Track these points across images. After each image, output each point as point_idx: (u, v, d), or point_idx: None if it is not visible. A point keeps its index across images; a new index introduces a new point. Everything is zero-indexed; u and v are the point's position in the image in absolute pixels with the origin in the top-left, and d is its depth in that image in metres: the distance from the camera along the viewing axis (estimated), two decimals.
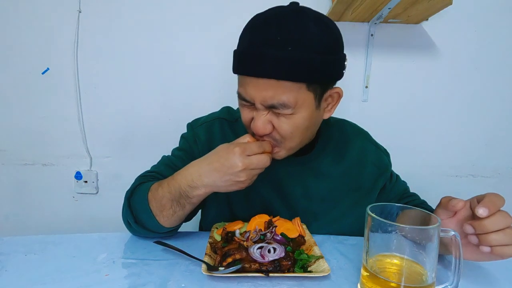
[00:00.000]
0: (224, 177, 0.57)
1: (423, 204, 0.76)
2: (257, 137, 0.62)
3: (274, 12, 0.58)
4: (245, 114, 0.64)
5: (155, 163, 0.79)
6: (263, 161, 0.57)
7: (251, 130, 0.63)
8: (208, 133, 0.75)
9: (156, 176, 0.73)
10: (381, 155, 0.78)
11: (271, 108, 0.58)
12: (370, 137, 0.82)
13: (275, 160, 0.72)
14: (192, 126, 0.77)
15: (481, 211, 0.47)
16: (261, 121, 0.59)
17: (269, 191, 0.73)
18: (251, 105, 0.61)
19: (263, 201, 0.73)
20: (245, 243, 0.58)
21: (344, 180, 0.75)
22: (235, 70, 0.61)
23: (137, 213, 0.64)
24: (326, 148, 0.76)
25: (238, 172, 0.56)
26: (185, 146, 0.77)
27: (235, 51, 0.61)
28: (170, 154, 0.79)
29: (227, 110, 0.80)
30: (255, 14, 0.61)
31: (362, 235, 0.67)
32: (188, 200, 0.60)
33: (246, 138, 0.61)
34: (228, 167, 0.56)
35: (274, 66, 0.54)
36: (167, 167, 0.74)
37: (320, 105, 0.62)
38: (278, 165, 0.72)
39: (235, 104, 0.84)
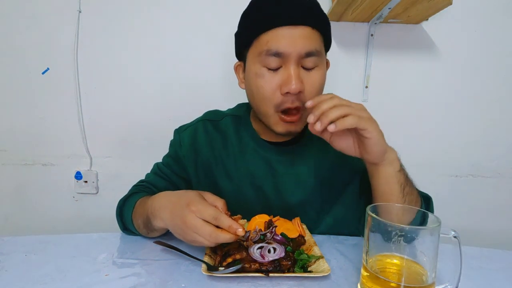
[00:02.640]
0: (172, 222, 0.56)
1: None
2: (288, 105, 0.63)
3: None
4: (270, 82, 0.63)
5: (157, 161, 0.81)
6: (207, 234, 0.51)
7: (275, 101, 0.63)
8: (193, 136, 0.76)
9: (148, 186, 0.76)
10: None
11: (305, 58, 0.61)
12: None
13: (268, 150, 0.73)
14: (178, 131, 0.79)
15: (308, 103, 0.55)
16: (296, 76, 0.60)
17: (262, 181, 0.74)
18: (279, 68, 0.62)
19: (256, 192, 0.74)
20: (245, 243, 0.58)
21: (333, 165, 0.74)
22: (264, 28, 0.61)
23: (126, 223, 0.68)
24: (313, 136, 0.75)
25: (183, 226, 0.53)
26: (172, 152, 0.79)
27: (256, 16, 0.64)
28: (161, 160, 0.80)
29: (211, 112, 0.82)
30: None
31: (356, 223, 0.67)
32: (152, 227, 0.62)
33: (218, 202, 0.57)
34: (177, 215, 0.54)
35: (309, 14, 0.61)
36: (156, 177, 0.77)
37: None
38: (270, 154, 0.74)
39: (234, 104, 0.85)
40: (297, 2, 0.61)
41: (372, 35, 1.22)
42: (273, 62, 0.61)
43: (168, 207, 0.57)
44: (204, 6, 1.22)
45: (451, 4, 1.01)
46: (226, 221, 0.51)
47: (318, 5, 0.65)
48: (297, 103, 0.63)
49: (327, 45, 0.68)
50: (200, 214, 0.52)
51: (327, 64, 0.71)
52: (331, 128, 0.51)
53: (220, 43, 1.23)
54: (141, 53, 1.24)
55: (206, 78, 1.26)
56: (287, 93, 0.61)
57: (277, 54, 0.60)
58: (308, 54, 0.61)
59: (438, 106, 1.28)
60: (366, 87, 1.26)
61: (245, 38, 0.66)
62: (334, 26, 1.30)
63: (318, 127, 0.52)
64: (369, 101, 1.27)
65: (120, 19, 1.23)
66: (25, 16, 1.22)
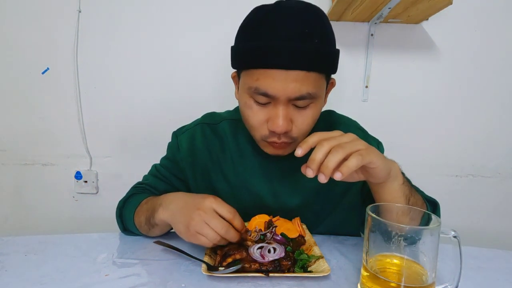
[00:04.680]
0: (183, 210, 0.57)
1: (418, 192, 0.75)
2: (274, 140, 0.61)
3: (286, 6, 0.57)
4: (258, 115, 0.60)
5: (155, 163, 0.81)
6: (218, 225, 0.53)
7: (262, 132, 0.62)
8: (191, 139, 0.76)
9: (147, 188, 0.76)
10: (368, 140, 0.74)
11: (296, 100, 0.57)
12: (358, 124, 0.79)
13: (265, 155, 0.70)
14: (176, 134, 0.79)
15: (298, 152, 0.49)
16: (284, 118, 0.58)
17: (260, 186, 0.73)
18: (268, 103, 0.59)
19: (254, 197, 0.74)
20: (245, 243, 0.58)
21: None
22: (254, 65, 0.57)
23: (126, 224, 0.69)
24: None
25: (193, 213, 0.54)
26: (169, 154, 0.79)
27: (247, 46, 0.58)
28: (159, 162, 0.80)
29: (209, 115, 0.81)
30: None
31: (357, 225, 0.65)
32: (154, 221, 0.62)
33: (233, 209, 0.57)
34: (191, 203, 0.56)
35: (305, 58, 0.55)
36: (156, 179, 0.77)
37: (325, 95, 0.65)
38: (268, 160, 0.72)
39: (235, 104, 0.85)
40: (294, 43, 0.54)
41: (372, 35, 1.22)
42: (262, 99, 0.58)
43: (183, 199, 0.59)
44: (204, 6, 1.22)
45: (451, 4, 1.01)
46: (240, 221, 0.55)
47: (322, 41, 0.57)
48: (284, 139, 0.61)
49: (331, 73, 0.62)
50: (217, 206, 0.54)
51: (333, 84, 0.67)
52: (338, 177, 0.46)
53: (221, 43, 1.23)
54: (141, 53, 1.24)
55: (206, 79, 1.26)
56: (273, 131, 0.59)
57: (266, 95, 0.57)
58: (299, 98, 0.57)
59: (438, 106, 1.28)
60: (366, 87, 1.26)
61: (237, 63, 0.62)
62: (334, 26, 1.30)
63: (323, 180, 0.47)
64: (369, 101, 1.27)
65: (120, 19, 1.23)
66: (25, 16, 1.22)
